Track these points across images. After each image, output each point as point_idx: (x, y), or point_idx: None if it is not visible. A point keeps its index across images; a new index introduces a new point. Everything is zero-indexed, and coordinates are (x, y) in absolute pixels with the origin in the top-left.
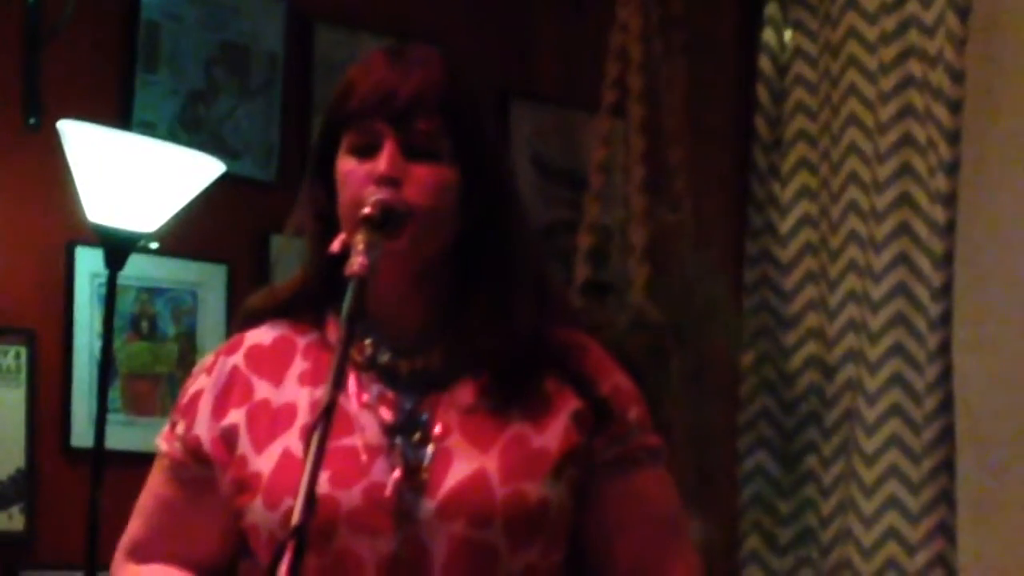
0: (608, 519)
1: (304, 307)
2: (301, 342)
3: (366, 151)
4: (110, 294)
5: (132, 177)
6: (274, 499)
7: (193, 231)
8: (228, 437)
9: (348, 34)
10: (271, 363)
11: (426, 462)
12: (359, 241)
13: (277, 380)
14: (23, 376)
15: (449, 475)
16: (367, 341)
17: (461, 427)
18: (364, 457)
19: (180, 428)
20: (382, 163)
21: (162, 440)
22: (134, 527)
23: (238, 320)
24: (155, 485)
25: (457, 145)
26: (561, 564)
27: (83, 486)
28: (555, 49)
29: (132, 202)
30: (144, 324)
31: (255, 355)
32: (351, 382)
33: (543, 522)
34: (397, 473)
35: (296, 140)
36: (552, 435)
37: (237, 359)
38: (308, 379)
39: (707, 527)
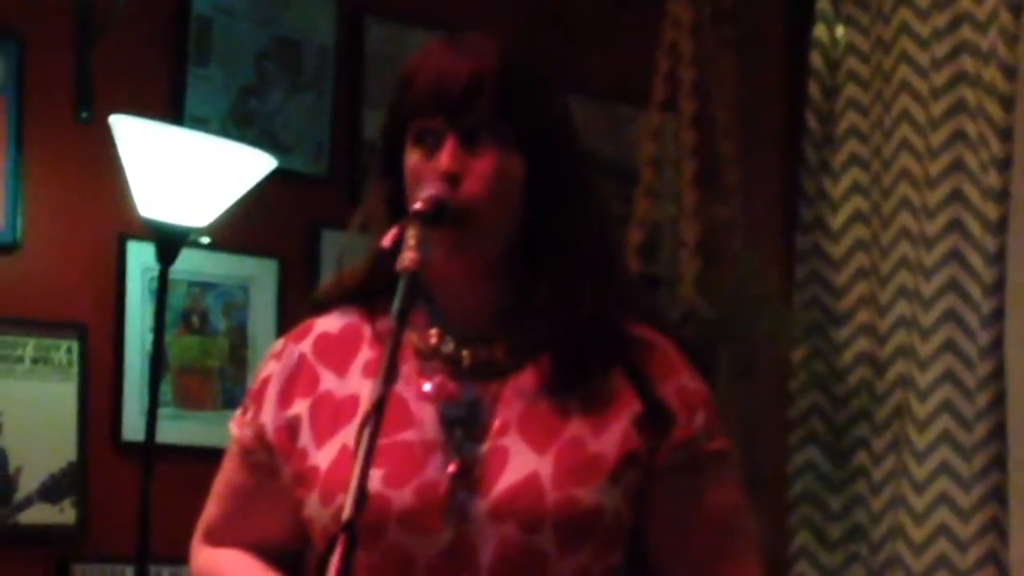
0: (668, 525)
1: (371, 296)
2: (368, 331)
3: (430, 143)
4: (161, 289)
5: (184, 172)
6: (328, 496)
7: (244, 226)
8: (291, 427)
9: (399, 28)
10: (337, 352)
11: (481, 459)
12: (410, 236)
13: (342, 371)
14: (75, 370)
15: (503, 477)
16: (433, 330)
17: (520, 423)
18: (419, 453)
19: (250, 414)
20: (443, 159)
21: (234, 424)
22: (209, 510)
23: (307, 308)
24: (227, 470)
25: (519, 133)
26: (620, 566)
27: (134, 480)
28: (602, 44)
29: (183, 197)
30: (195, 319)
31: (323, 343)
32: (412, 371)
33: (595, 528)
34: (451, 470)
35: (347, 135)
36: (610, 440)
37: (305, 346)
38: (372, 370)
39: (757, 523)
